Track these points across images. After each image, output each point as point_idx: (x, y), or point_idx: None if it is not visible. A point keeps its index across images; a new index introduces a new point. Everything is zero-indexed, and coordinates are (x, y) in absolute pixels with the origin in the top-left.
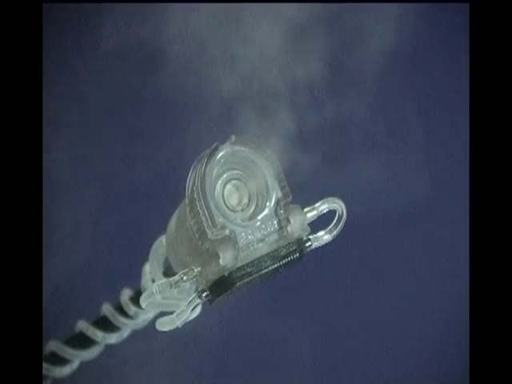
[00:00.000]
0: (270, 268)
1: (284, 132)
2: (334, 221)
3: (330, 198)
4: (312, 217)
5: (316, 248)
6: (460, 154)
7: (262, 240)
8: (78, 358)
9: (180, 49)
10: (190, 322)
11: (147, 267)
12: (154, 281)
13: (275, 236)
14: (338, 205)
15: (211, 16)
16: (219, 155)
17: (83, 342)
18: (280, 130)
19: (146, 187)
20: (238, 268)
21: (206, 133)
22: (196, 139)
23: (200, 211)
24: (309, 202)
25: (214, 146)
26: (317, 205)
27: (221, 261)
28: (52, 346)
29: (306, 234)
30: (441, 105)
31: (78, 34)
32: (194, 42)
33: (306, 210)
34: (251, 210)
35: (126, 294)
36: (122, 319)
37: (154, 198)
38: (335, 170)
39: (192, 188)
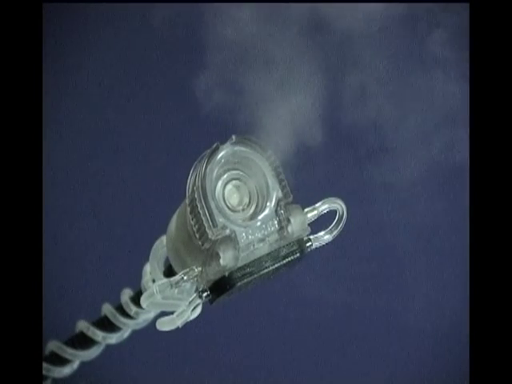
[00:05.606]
0: (271, 268)
1: None
2: (335, 221)
3: (330, 198)
4: (312, 217)
5: (316, 248)
6: None
7: (262, 240)
8: (77, 358)
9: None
10: (190, 321)
11: (147, 267)
12: (154, 281)
13: (276, 236)
14: (338, 205)
15: None
16: (220, 155)
17: (83, 342)
18: None
19: (147, 187)
20: (239, 268)
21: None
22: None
23: (200, 211)
24: None
25: (214, 145)
26: (317, 205)
27: (221, 261)
28: (52, 346)
29: (307, 234)
30: None
31: (78, 33)
32: None
33: (306, 210)
34: (252, 210)
35: (126, 294)
36: (123, 319)
37: (154, 197)
38: None
39: (192, 188)
